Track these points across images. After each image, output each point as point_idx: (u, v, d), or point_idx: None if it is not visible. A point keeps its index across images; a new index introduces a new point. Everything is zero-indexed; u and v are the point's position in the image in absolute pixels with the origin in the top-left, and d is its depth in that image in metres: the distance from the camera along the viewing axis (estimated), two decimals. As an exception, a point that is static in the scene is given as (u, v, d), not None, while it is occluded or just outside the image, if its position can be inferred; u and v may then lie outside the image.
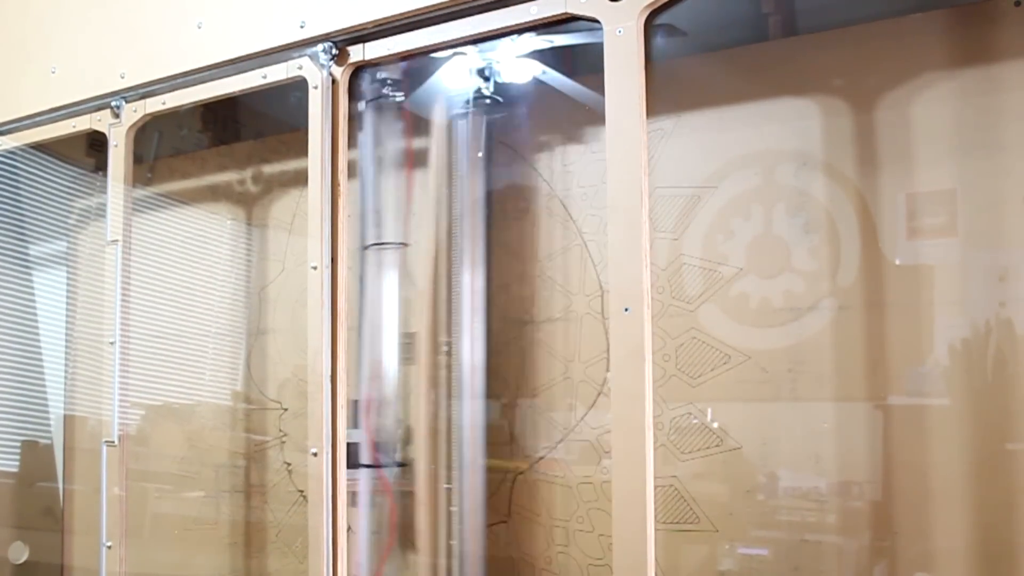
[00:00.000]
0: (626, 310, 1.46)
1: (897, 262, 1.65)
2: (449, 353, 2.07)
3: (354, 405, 2.06)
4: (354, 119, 1.97)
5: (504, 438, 2.04)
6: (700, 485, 1.78)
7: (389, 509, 2.05)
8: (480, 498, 2.02)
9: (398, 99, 2.09)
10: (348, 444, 2.01)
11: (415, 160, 2.19)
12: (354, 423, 2.06)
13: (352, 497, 2.09)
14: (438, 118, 2.17)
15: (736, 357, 1.75)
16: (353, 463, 2.03)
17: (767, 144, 1.78)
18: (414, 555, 2.12)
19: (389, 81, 2.02)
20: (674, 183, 1.86)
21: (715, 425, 1.77)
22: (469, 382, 2.05)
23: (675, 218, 1.85)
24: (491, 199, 2.09)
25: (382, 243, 2.11)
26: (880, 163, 1.67)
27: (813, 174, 1.73)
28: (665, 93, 1.85)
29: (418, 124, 2.20)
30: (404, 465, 2.12)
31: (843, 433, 1.66)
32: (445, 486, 2.09)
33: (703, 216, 1.82)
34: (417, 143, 2.21)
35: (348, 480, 2.05)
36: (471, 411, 2.04)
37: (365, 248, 2.12)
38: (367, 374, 2.13)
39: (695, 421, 1.79)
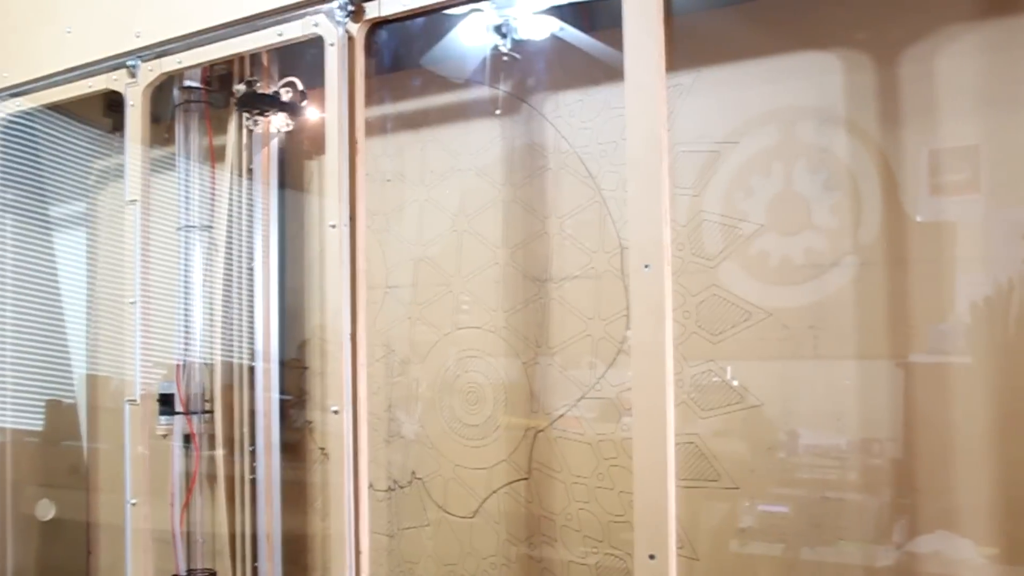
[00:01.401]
0: (646, 267, 1.45)
1: (919, 219, 1.63)
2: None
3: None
4: (371, 76, 1.96)
5: (523, 396, 2.04)
6: (721, 442, 1.78)
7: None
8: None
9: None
10: (164, 395, 2.41)
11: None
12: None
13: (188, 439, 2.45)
14: (454, 76, 2.16)
15: (757, 314, 1.74)
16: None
17: (788, 100, 1.76)
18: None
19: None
20: (694, 139, 1.84)
21: (735, 383, 1.77)
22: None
23: (695, 174, 1.83)
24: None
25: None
26: (903, 119, 1.65)
27: (835, 130, 1.71)
28: (685, 48, 1.83)
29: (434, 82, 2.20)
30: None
31: (864, 390, 1.66)
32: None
33: (723, 172, 1.81)
34: (433, 101, 2.20)
35: (164, 425, 2.43)
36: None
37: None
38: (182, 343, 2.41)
39: (715, 379, 1.78)
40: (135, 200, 2.17)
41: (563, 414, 1.98)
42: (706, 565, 1.79)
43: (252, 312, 2.42)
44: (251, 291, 2.44)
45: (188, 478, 2.39)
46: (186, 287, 2.40)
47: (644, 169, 1.47)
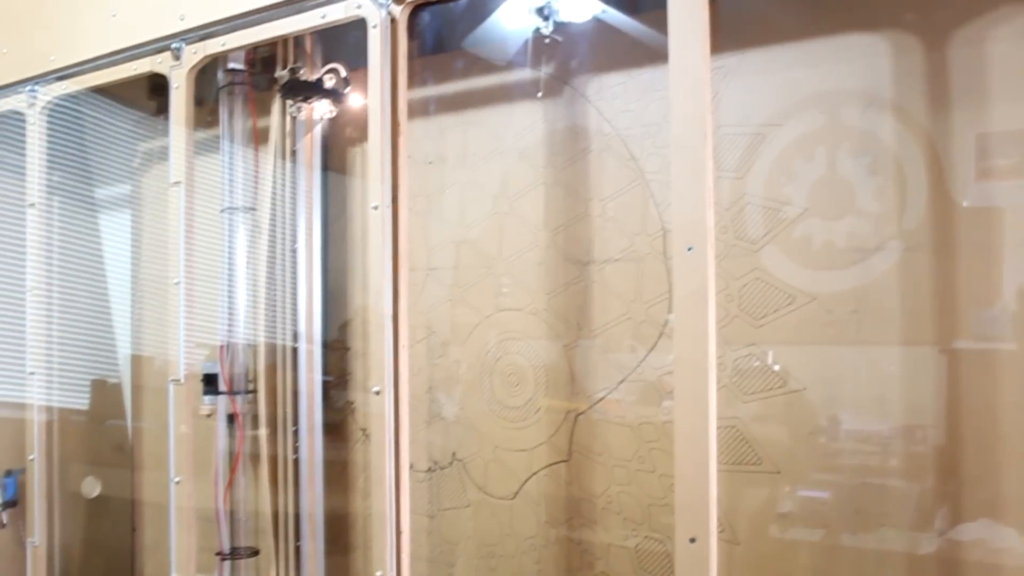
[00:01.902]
0: (689, 249, 1.45)
1: (965, 204, 1.61)
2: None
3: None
4: (413, 59, 1.96)
5: (564, 378, 2.04)
6: (762, 427, 1.77)
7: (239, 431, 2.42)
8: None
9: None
10: (207, 375, 2.43)
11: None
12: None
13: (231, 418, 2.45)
14: (496, 58, 2.15)
15: (800, 298, 1.73)
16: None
17: (833, 82, 1.74)
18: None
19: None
20: (737, 122, 1.83)
21: (777, 367, 1.76)
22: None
23: (738, 157, 1.82)
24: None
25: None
26: (950, 102, 1.63)
27: (880, 114, 1.69)
28: (729, 29, 1.82)
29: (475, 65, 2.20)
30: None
31: (908, 377, 1.64)
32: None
33: (767, 156, 1.79)
34: (475, 84, 2.20)
35: (208, 405, 2.43)
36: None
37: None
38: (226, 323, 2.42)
39: (757, 363, 1.77)
40: (179, 182, 2.19)
41: (603, 397, 1.98)
42: (746, 549, 1.79)
43: (295, 293, 2.43)
44: (294, 272, 2.45)
45: (232, 457, 2.41)
46: (230, 268, 2.42)
47: (688, 151, 1.46)
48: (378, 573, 1.83)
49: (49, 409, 2.67)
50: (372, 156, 1.83)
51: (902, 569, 1.63)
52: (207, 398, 2.41)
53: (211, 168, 2.54)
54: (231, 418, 2.43)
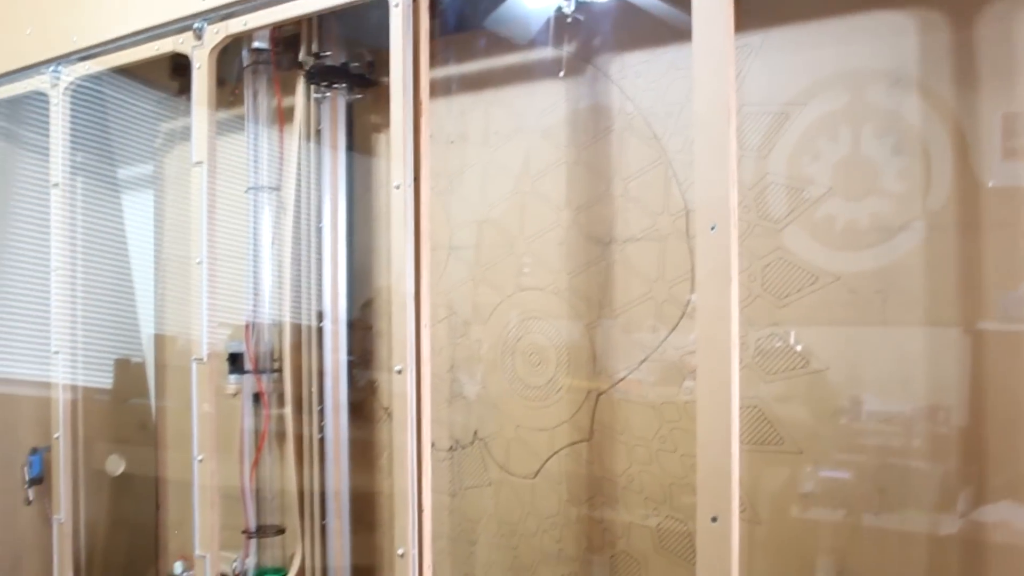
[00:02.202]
0: (712, 228, 1.44)
1: (991, 184, 1.60)
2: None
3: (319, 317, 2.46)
4: (435, 38, 1.96)
5: (585, 357, 2.04)
6: (785, 407, 1.76)
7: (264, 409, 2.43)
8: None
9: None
10: (233, 354, 2.44)
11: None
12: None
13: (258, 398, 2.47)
14: (518, 38, 2.15)
15: (824, 278, 1.72)
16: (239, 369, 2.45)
17: (858, 61, 1.72)
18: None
19: None
20: (761, 100, 1.82)
21: (800, 347, 1.75)
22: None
23: (761, 136, 1.81)
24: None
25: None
26: (977, 81, 1.61)
27: (905, 93, 1.67)
28: (753, 7, 1.80)
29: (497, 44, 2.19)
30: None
31: (932, 357, 1.63)
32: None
33: (790, 134, 1.78)
34: (497, 63, 2.19)
35: (234, 384, 2.44)
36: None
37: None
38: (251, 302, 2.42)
39: (780, 343, 1.77)
40: (201, 162, 2.20)
41: (624, 377, 1.98)
42: (768, 529, 1.79)
43: (320, 272, 2.44)
44: (319, 252, 2.46)
45: (257, 436, 2.42)
46: (255, 247, 2.42)
47: (711, 130, 1.46)
48: (400, 550, 1.84)
49: (73, 388, 2.69)
50: (394, 136, 1.83)
51: (924, 550, 1.63)
52: (232, 377, 2.42)
53: (234, 148, 2.54)
54: (256, 397, 2.44)
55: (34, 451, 2.91)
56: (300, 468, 2.44)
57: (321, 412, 2.42)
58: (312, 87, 2.48)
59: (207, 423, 2.19)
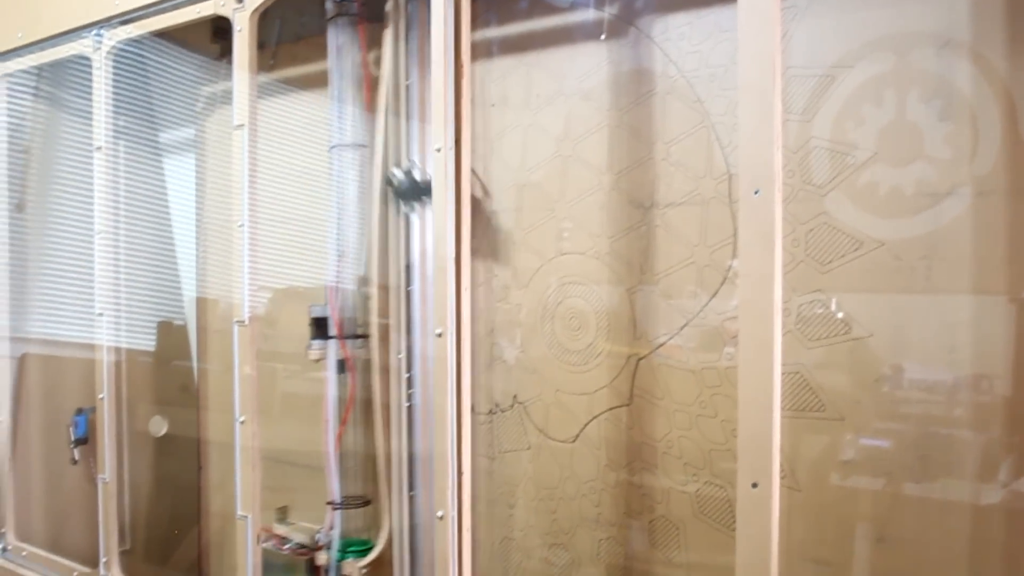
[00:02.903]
0: (756, 192, 1.43)
1: (1042, 148, 1.57)
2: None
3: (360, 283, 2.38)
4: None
5: (626, 322, 2.03)
6: (827, 373, 1.75)
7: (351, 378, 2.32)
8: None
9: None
10: (317, 318, 2.35)
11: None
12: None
13: (343, 364, 2.37)
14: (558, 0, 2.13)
15: (868, 243, 1.70)
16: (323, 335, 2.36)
17: (907, 23, 1.69)
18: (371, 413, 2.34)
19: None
20: (807, 63, 1.79)
21: (840, 315, 1.73)
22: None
23: (806, 99, 1.78)
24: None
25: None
26: (1029, 42, 1.58)
27: (954, 56, 1.63)
28: (800, -34, 1.77)
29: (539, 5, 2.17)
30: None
31: (978, 325, 1.61)
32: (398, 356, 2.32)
33: (836, 98, 1.75)
34: (539, 24, 2.17)
35: (317, 350, 2.35)
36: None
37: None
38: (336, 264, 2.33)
39: (823, 309, 1.75)
40: (242, 125, 2.21)
41: (665, 342, 1.97)
42: (808, 496, 1.78)
43: (408, 234, 2.32)
44: (408, 214, 2.33)
45: (342, 404, 2.36)
46: (339, 208, 2.34)
47: (756, 93, 1.44)
48: (440, 513, 1.86)
49: (117, 350, 2.73)
50: (435, 98, 1.82)
51: (965, 519, 1.62)
52: (315, 343, 2.35)
53: (273, 112, 2.55)
54: (341, 364, 2.36)
55: (79, 412, 2.96)
56: (388, 437, 2.36)
57: (409, 380, 2.33)
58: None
59: (248, 385, 2.22)
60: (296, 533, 2.49)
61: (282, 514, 2.61)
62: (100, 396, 2.66)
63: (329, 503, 2.35)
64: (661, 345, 1.98)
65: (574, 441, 2.12)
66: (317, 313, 2.35)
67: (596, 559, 2.11)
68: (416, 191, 2.21)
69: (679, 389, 1.95)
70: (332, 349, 2.34)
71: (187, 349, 3.13)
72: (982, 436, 1.60)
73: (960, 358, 1.61)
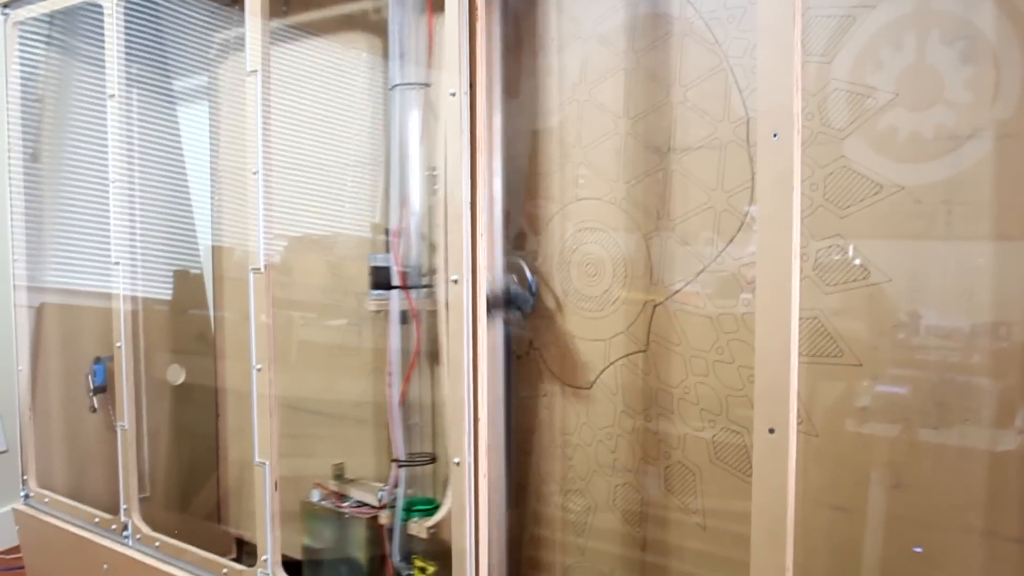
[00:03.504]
0: (774, 135, 1.41)
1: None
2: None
3: (385, 232, 2.25)
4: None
5: (642, 268, 2.02)
6: (844, 319, 1.74)
7: (415, 328, 2.13)
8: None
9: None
10: (378, 268, 2.22)
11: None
12: (385, 249, 2.22)
13: (385, 316, 2.25)
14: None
15: (888, 187, 1.68)
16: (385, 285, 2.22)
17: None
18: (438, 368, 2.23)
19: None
20: (826, 3, 1.75)
21: (860, 259, 1.72)
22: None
23: (826, 40, 1.75)
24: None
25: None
26: (1054, -17, 1.54)
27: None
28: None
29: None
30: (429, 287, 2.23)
31: (999, 271, 1.59)
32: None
33: (857, 39, 1.72)
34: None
35: (379, 300, 2.22)
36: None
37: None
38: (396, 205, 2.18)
39: (841, 254, 1.74)
40: (255, 70, 2.19)
41: (681, 288, 1.96)
42: (824, 441, 1.78)
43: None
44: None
45: (406, 359, 2.24)
46: (400, 151, 2.21)
47: (775, 33, 1.42)
48: (456, 459, 1.87)
49: (134, 299, 2.74)
50: (449, 41, 1.80)
51: (981, 465, 1.61)
52: (374, 293, 2.24)
53: (286, 58, 2.53)
54: (403, 316, 2.23)
55: (97, 360, 2.98)
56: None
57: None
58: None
59: (264, 333, 2.22)
60: (355, 490, 2.40)
61: (339, 471, 2.51)
62: (117, 345, 2.68)
63: (393, 460, 2.25)
64: (677, 291, 1.97)
65: (590, 387, 2.12)
66: (378, 263, 2.23)
67: (612, 505, 2.12)
68: (509, 302, 2.12)
69: (696, 335, 1.94)
70: (395, 300, 2.22)
71: (203, 298, 3.14)
72: (999, 383, 1.59)
73: (979, 304, 1.60)
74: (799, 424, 1.75)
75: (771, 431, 1.44)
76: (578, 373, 2.13)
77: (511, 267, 2.13)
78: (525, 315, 2.15)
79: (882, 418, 1.72)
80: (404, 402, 2.21)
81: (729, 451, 1.92)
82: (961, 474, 1.63)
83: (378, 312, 2.29)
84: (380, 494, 2.27)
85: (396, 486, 2.23)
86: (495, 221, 2.04)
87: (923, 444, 1.67)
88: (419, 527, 2.14)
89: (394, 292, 2.19)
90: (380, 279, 2.22)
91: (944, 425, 1.64)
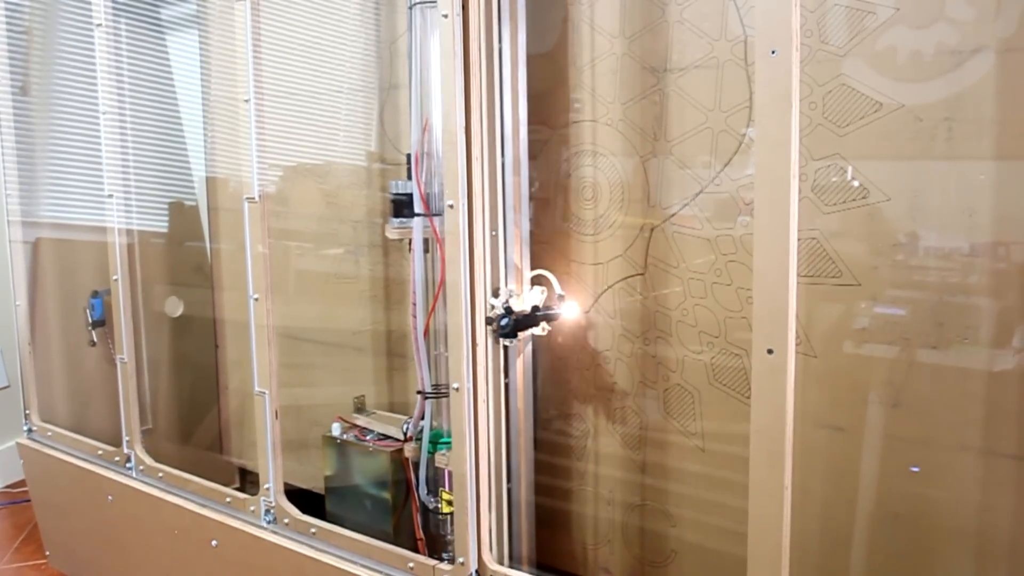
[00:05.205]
0: (773, 52, 1.38)
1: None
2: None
3: (407, 158, 2.15)
4: None
5: (639, 191, 2.01)
6: (843, 240, 1.73)
7: (440, 256, 1.98)
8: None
9: None
10: (399, 194, 2.14)
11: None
12: (408, 176, 2.14)
13: (408, 244, 2.18)
14: None
15: (889, 105, 1.65)
16: (407, 213, 2.13)
17: None
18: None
19: None
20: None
21: (856, 183, 1.70)
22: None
23: (826, -44, 1.71)
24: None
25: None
26: None
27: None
28: None
29: None
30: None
31: (1000, 189, 1.57)
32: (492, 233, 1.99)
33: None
34: None
35: (400, 228, 2.15)
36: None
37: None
38: (417, 129, 2.10)
39: (841, 173, 1.72)
40: (244, -2, 2.15)
41: (678, 211, 1.95)
42: (823, 362, 1.78)
43: (501, 98, 1.97)
44: (498, 80, 1.97)
45: (431, 288, 2.15)
46: (419, 73, 2.10)
47: (773, -54, 1.38)
48: (455, 385, 1.87)
49: (129, 232, 2.72)
50: (440, -38, 1.76)
51: (980, 384, 1.62)
52: (396, 221, 2.14)
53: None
54: (426, 244, 2.15)
55: (95, 294, 2.98)
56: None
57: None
58: None
59: (260, 263, 2.21)
60: (377, 423, 2.39)
61: (360, 404, 2.52)
62: (114, 278, 2.67)
63: (419, 392, 2.17)
64: (675, 214, 1.95)
65: (588, 311, 2.12)
66: (399, 189, 2.14)
67: (611, 429, 2.14)
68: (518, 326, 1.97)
69: (694, 257, 1.93)
70: (418, 227, 2.11)
71: (199, 230, 3.13)
72: (998, 303, 1.58)
73: (978, 224, 1.59)
74: (798, 345, 1.75)
75: (770, 352, 1.43)
76: (575, 297, 2.13)
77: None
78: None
79: (881, 339, 1.72)
80: (428, 333, 2.15)
81: (728, 373, 1.93)
82: (959, 393, 1.64)
83: (400, 240, 2.24)
84: (405, 426, 2.24)
85: (422, 418, 2.19)
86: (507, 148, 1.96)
87: (921, 364, 1.67)
88: (445, 459, 2.09)
89: (416, 219, 2.11)
90: (399, 207, 2.15)
91: (943, 345, 1.64)
